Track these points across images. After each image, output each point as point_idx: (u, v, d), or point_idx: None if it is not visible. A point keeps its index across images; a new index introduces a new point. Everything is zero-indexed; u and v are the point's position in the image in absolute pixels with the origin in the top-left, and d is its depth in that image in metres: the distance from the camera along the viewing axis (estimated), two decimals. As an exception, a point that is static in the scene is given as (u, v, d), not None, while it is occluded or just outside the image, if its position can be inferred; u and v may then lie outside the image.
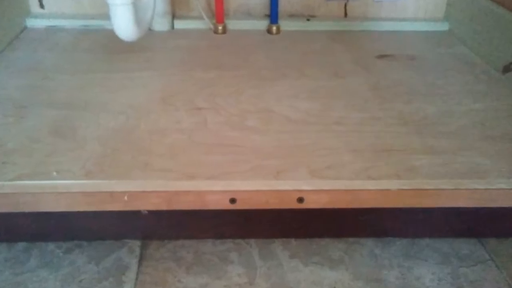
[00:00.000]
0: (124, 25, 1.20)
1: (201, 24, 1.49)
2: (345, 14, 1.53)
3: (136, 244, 1.23)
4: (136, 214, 1.08)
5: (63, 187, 0.99)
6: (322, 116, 1.23)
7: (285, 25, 1.53)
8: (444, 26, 1.55)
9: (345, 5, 1.51)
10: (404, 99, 1.29)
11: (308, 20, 1.51)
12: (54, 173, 1.00)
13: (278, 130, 1.17)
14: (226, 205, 1.01)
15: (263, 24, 1.55)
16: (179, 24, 1.51)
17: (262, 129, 1.17)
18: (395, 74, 1.40)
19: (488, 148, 1.12)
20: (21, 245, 1.22)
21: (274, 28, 1.50)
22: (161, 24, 1.45)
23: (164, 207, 1.02)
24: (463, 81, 1.39)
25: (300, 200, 1.02)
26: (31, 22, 1.61)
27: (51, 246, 1.20)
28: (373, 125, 1.20)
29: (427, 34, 1.57)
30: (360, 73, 1.41)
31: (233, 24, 1.54)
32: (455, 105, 1.29)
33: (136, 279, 1.14)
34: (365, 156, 1.08)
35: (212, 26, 1.45)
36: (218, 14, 1.44)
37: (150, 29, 1.36)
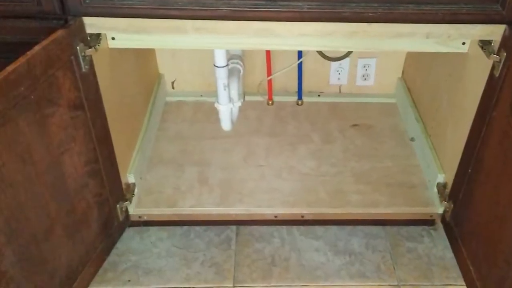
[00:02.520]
0: (226, 127, 1.90)
1: (260, 98, 2.32)
2: (339, 92, 2.38)
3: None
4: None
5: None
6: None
7: (306, 98, 2.35)
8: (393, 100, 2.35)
9: (340, 87, 2.37)
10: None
11: (319, 95, 2.37)
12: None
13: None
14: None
15: (293, 98, 2.34)
16: (247, 98, 2.29)
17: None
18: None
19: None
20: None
21: (299, 102, 2.34)
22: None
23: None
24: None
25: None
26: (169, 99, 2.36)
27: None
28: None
29: (382, 104, 2.34)
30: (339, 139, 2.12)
31: (277, 98, 2.34)
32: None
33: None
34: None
35: (265, 100, 2.32)
36: (269, 93, 2.31)
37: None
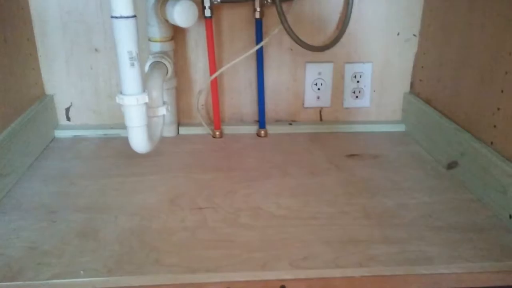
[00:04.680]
0: (139, 143, 1.51)
1: (202, 130, 1.98)
2: (320, 119, 2.09)
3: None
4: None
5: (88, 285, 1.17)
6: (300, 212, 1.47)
7: (272, 129, 2.03)
8: (401, 128, 2.09)
9: (320, 111, 2.07)
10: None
11: (290, 124, 2.07)
12: (81, 272, 1.17)
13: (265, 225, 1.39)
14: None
15: (253, 128, 2.03)
16: (183, 131, 1.99)
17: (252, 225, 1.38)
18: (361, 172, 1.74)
19: (434, 238, 1.31)
20: None
21: (262, 132, 2.02)
22: (168, 131, 1.95)
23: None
24: (415, 177, 1.70)
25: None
26: (59, 133, 2.00)
27: None
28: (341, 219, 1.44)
29: (386, 134, 2.05)
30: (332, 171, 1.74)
31: (228, 129, 2.02)
32: (408, 199, 1.53)
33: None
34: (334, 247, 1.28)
35: (211, 132, 1.98)
36: (216, 121, 1.98)
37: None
